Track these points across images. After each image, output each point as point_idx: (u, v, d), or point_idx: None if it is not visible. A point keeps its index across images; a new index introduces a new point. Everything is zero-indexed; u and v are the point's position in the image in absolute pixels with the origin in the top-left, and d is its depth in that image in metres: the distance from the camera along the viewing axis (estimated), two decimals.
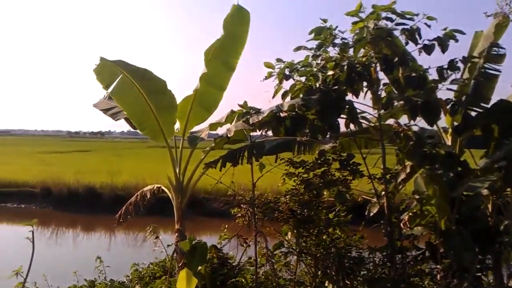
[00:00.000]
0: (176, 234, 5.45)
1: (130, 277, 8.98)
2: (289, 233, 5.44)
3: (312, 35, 5.03)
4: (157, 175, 20.25)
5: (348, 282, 5.07)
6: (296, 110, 4.90)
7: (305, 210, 5.22)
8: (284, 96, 5.40)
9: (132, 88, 5.01)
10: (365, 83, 4.81)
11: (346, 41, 4.96)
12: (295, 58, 5.46)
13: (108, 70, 5.03)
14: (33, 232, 2.50)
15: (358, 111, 4.86)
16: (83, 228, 18.85)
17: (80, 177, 23.59)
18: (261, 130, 5.46)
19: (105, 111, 6.07)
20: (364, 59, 4.83)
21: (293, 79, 5.35)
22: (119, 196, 18.49)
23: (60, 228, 18.33)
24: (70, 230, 18.50)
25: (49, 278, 7.30)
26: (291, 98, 5.29)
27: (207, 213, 18.03)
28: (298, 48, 5.23)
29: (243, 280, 5.74)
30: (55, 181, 22.84)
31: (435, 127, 5.00)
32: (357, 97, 4.78)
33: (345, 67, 4.70)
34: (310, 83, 5.21)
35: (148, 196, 6.47)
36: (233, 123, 5.37)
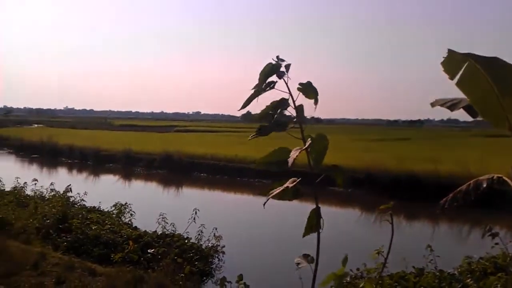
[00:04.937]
0: None
1: (459, 270, 8.68)
2: None
3: None
4: (485, 165, 19.04)
5: None
6: None
7: None
8: None
9: (478, 75, 4.73)
10: None
11: None
12: None
13: (455, 61, 4.87)
14: (391, 214, 2.55)
15: None
16: (405, 216, 19.02)
17: (401, 164, 23.87)
18: None
19: (442, 104, 5.89)
20: None
21: None
22: (442, 185, 17.99)
23: (382, 214, 18.87)
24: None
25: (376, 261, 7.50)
26: None
27: None
28: None
29: None
30: (377, 168, 23.68)
31: None
32: None
33: None
34: None
35: (484, 186, 6.01)
36: None
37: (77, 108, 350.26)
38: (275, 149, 2.84)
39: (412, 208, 19.22)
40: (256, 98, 2.95)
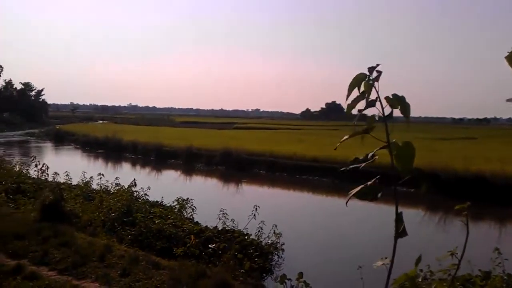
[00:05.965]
0: None
1: None
2: None
3: None
4: None
5: None
6: None
7: None
8: None
9: None
10: None
11: None
12: None
13: None
14: (467, 215, 2.44)
15: None
16: (471, 217, 18.29)
17: (467, 163, 23.03)
18: None
19: None
20: None
21: None
22: (511, 186, 17.25)
23: (448, 214, 18.31)
24: (457, 218, 18.28)
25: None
26: None
27: None
28: None
29: None
30: (442, 167, 22.92)
31: None
32: None
33: None
34: None
35: None
36: None
37: (140, 105, 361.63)
38: (366, 154, 2.81)
39: (478, 209, 18.49)
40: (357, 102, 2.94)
